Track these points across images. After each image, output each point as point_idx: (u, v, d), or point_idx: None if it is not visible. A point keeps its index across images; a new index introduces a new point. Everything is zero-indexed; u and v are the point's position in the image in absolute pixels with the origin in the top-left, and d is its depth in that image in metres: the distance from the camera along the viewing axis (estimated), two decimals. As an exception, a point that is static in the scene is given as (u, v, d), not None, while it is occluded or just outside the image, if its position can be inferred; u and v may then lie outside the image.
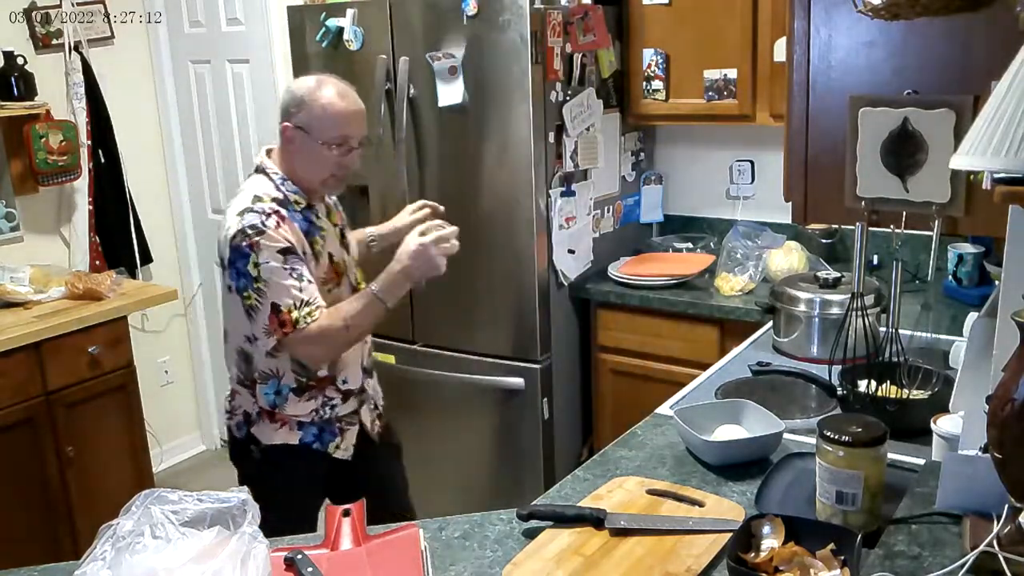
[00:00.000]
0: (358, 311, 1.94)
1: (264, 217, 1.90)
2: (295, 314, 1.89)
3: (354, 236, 2.29)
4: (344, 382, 2.10)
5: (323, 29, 3.07)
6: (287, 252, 1.90)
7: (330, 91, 1.96)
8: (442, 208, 2.29)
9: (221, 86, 3.79)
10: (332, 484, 2.15)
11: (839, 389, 1.86)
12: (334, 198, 2.18)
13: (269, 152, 2.05)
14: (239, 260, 1.90)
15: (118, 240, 3.68)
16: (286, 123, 1.97)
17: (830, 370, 1.88)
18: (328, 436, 2.10)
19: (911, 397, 1.83)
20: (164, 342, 4.09)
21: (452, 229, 2.00)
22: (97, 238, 3.61)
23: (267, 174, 2.01)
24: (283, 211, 1.94)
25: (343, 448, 2.13)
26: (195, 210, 4.07)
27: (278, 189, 1.99)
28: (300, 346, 1.94)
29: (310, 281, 1.92)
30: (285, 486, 2.05)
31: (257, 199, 1.94)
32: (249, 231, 1.89)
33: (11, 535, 2.75)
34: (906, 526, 1.26)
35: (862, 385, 1.88)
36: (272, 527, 1.38)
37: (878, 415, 1.46)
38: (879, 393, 1.82)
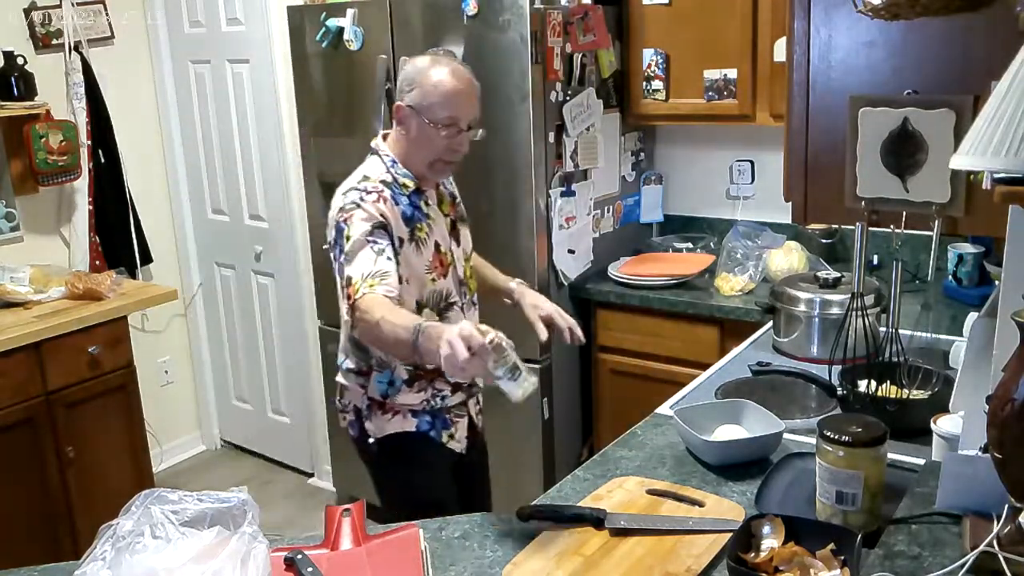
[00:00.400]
0: (396, 323, 1.67)
1: (364, 193, 1.88)
2: (358, 284, 1.77)
3: (503, 277, 2.22)
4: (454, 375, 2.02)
5: (323, 29, 3.07)
6: (377, 227, 1.84)
7: (442, 70, 1.90)
8: (580, 340, 2.15)
9: (221, 86, 3.79)
10: (457, 479, 2.12)
11: (839, 389, 1.86)
12: (452, 187, 2.12)
13: (385, 136, 2.03)
14: (338, 238, 1.86)
15: (118, 240, 3.67)
16: (398, 103, 1.94)
17: (830, 370, 1.88)
18: (441, 424, 2.07)
19: (911, 397, 1.83)
20: (164, 342, 4.09)
21: (509, 353, 1.52)
22: (97, 238, 3.61)
23: (379, 156, 1.99)
24: (386, 191, 1.90)
25: (457, 439, 2.10)
26: (195, 210, 4.07)
27: (388, 171, 1.95)
28: (354, 315, 1.78)
29: (389, 258, 1.82)
30: (406, 476, 2.02)
31: (364, 178, 1.92)
32: (348, 206, 1.87)
33: (11, 535, 2.75)
34: (906, 526, 1.26)
35: (862, 385, 1.88)
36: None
37: (878, 415, 1.46)
38: (879, 393, 1.82)
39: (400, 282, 1.84)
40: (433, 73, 1.90)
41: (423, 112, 1.90)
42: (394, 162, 1.97)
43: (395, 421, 2.03)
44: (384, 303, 1.73)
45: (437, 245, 1.99)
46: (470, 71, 1.97)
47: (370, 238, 1.82)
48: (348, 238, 1.83)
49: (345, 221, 1.85)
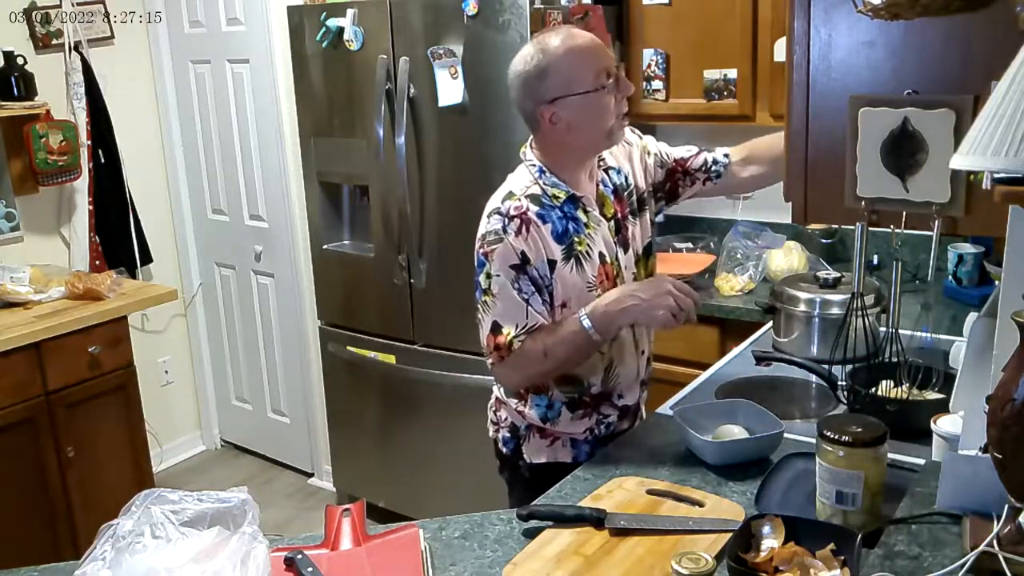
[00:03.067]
0: (559, 340, 1.72)
1: (507, 221, 1.73)
2: (511, 337, 1.73)
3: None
4: (620, 397, 1.91)
5: (323, 29, 3.07)
6: (518, 269, 1.73)
7: (557, 40, 1.72)
8: None
9: (221, 86, 3.79)
10: None
11: (840, 383, 1.85)
12: (619, 177, 1.91)
13: (531, 144, 1.85)
14: (478, 268, 1.77)
15: (118, 240, 3.68)
16: (541, 105, 1.73)
17: (830, 370, 1.88)
18: None
19: (925, 398, 1.82)
20: (164, 342, 4.09)
21: (693, 299, 1.72)
22: (97, 238, 3.61)
23: (526, 166, 1.83)
24: (532, 212, 1.74)
25: None
26: (195, 210, 4.08)
27: (536, 182, 1.79)
28: (502, 370, 1.80)
29: (536, 308, 1.74)
30: None
31: (509, 195, 1.77)
32: (490, 237, 1.75)
33: (11, 535, 2.75)
34: (906, 526, 1.26)
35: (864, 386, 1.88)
36: None
37: (879, 415, 1.46)
38: (883, 393, 1.81)
39: (555, 306, 1.77)
40: (553, 50, 1.71)
41: (572, 89, 1.71)
42: (542, 171, 1.80)
43: (552, 449, 1.89)
44: (532, 337, 1.73)
45: (602, 256, 1.82)
46: (570, 25, 1.83)
47: (516, 284, 1.73)
48: (489, 276, 1.75)
49: (487, 256, 1.75)
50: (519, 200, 1.76)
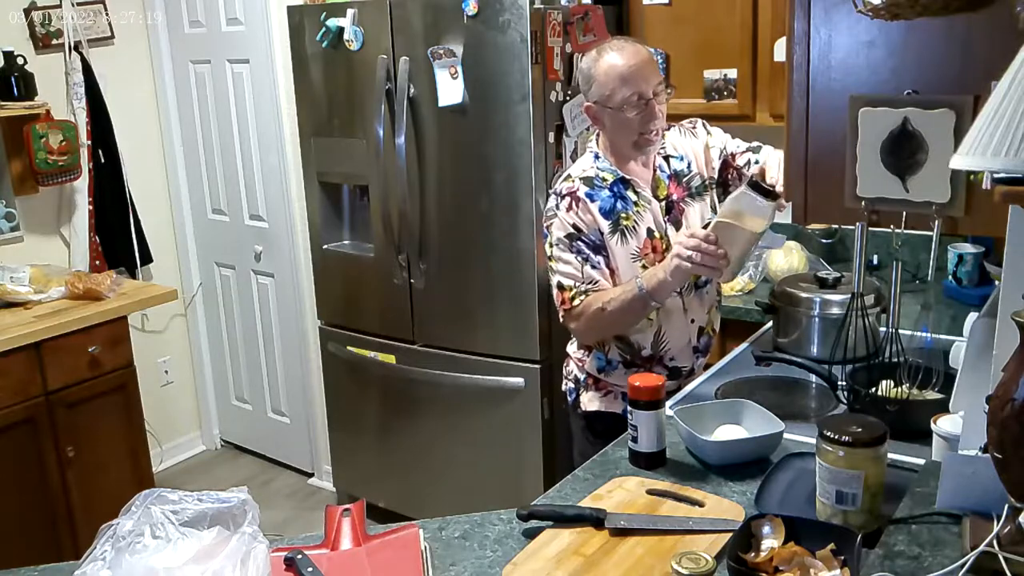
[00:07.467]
0: (616, 297, 1.96)
1: (559, 199, 2.03)
2: (572, 292, 2.00)
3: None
4: (672, 359, 2.12)
5: (323, 29, 3.07)
6: (572, 237, 2.00)
7: (609, 56, 1.98)
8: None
9: (221, 86, 3.79)
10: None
11: (840, 383, 1.85)
12: (680, 164, 2.14)
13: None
14: (544, 239, 2.07)
15: (118, 240, 3.68)
16: (586, 104, 2.04)
17: (830, 370, 1.88)
18: None
19: (925, 398, 1.82)
20: (164, 342, 4.09)
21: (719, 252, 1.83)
22: (97, 238, 3.61)
23: (589, 152, 2.11)
24: (582, 192, 2.01)
25: None
26: (195, 210, 4.08)
27: (592, 166, 2.06)
28: (570, 322, 2.05)
29: (594, 267, 2.00)
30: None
31: (567, 178, 2.06)
32: (548, 213, 2.05)
33: (11, 535, 2.75)
34: (906, 526, 1.26)
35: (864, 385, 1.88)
36: None
37: (879, 415, 1.46)
38: (883, 393, 1.81)
39: (611, 269, 2.01)
40: (602, 63, 1.98)
41: (606, 102, 1.98)
42: (596, 156, 2.08)
43: (604, 400, 2.15)
44: (598, 295, 1.97)
45: (650, 231, 2.05)
46: (637, 41, 2.04)
47: (574, 246, 2.00)
48: (552, 244, 2.03)
49: (548, 228, 2.05)
50: (573, 182, 2.04)
